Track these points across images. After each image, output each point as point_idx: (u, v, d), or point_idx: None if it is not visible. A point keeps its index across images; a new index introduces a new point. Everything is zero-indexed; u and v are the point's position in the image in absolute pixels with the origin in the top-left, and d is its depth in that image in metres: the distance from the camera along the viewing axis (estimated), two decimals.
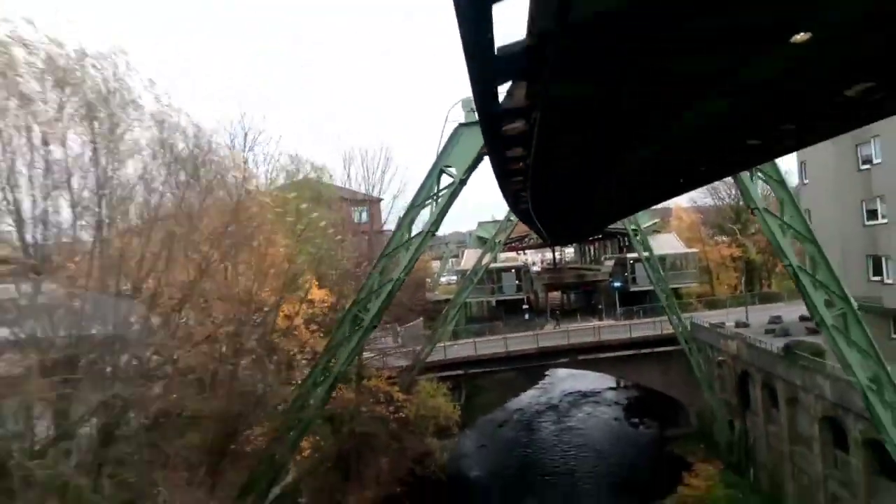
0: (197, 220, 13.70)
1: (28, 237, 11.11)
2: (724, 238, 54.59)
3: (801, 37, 3.65)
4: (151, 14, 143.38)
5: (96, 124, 11.49)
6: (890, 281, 25.14)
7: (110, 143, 11.44)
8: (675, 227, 59.17)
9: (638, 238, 38.56)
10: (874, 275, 26.28)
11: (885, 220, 25.37)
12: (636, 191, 12.64)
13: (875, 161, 25.84)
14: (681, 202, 62.17)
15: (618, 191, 11.79)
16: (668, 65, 4.13)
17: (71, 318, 10.82)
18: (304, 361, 22.78)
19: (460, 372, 40.05)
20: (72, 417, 10.86)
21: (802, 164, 32.39)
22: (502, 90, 4.77)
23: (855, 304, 16.80)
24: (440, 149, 17.15)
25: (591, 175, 9.21)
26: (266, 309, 18.22)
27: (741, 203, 50.32)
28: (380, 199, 52.53)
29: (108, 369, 11.57)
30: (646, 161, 8.17)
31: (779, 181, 18.54)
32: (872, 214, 26.24)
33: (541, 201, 11.62)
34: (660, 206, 48.76)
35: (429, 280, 66.93)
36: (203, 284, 13.71)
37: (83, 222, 11.73)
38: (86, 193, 11.57)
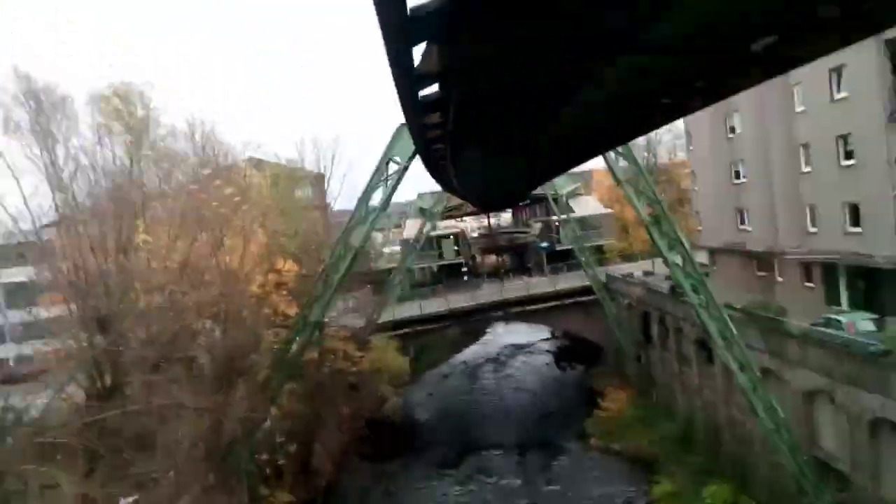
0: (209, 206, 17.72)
1: None
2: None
3: None
4: (152, 13, 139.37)
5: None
6: (749, 229, 31.10)
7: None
8: (596, 189, 65.12)
9: (558, 203, 43.76)
10: (740, 224, 32.28)
11: (745, 180, 31.23)
12: (556, 155, 13.32)
13: (737, 131, 31.58)
14: (601, 165, 68.42)
15: (538, 154, 12.11)
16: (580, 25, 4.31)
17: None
18: (277, 320, 26.86)
19: (408, 330, 44.54)
20: None
21: (688, 134, 38.13)
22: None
23: (688, 246, 22.17)
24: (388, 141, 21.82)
25: (509, 138, 9.46)
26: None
27: (650, 167, 56.69)
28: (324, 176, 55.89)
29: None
30: (565, 124, 8.30)
31: (632, 158, 24.60)
32: (737, 175, 32.10)
33: (462, 168, 12.09)
34: (582, 169, 54.69)
35: (372, 252, 70.98)
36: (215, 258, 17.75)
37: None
38: None
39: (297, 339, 22.71)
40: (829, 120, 23.33)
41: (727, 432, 26.06)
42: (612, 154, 22.86)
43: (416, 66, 4.59)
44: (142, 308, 16.44)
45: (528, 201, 67.16)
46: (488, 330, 64.18)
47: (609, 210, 58.32)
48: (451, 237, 59.48)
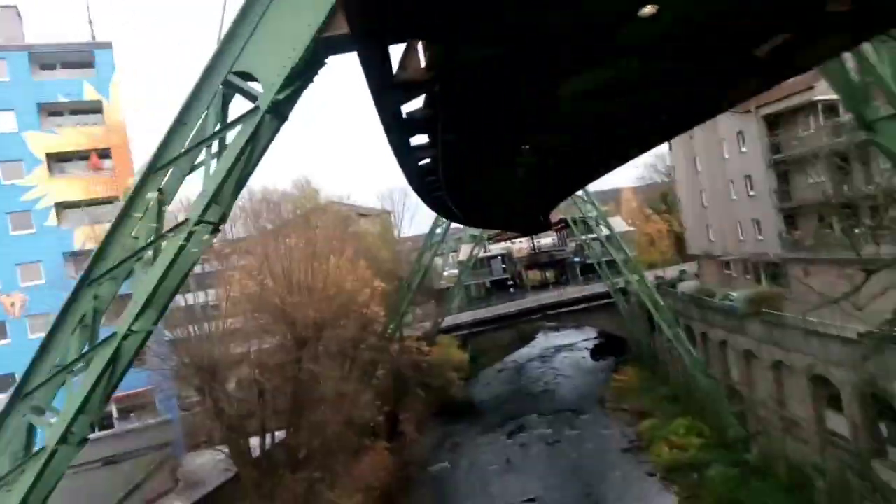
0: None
1: None
2: (657, 216, 71.28)
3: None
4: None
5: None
6: (713, 240, 41.75)
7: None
8: (623, 207, 75.80)
9: (584, 223, 55.14)
10: (708, 236, 42.90)
11: (706, 204, 41.99)
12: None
13: (698, 168, 42.31)
14: (627, 182, 79.89)
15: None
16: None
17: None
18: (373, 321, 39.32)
19: (466, 332, 56.58)
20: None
21: (673, 167, 48.99)
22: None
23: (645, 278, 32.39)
24: None
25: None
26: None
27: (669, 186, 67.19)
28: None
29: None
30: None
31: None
32: (701, 200, 42.85)
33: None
34: (609, 186, 66.03)
35: (434, 274, 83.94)
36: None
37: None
38: None
39: (387, 333, 34.93)
40: (739, 165, 34.10)
41: (694, 388, 36.65)
42: (580, 193, 33.28)
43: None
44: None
45: (563, 224, 78.53)
46: (537, 336, 75.29)
47: (632, 228, 68.90)
48: (499, 257, 71.38)
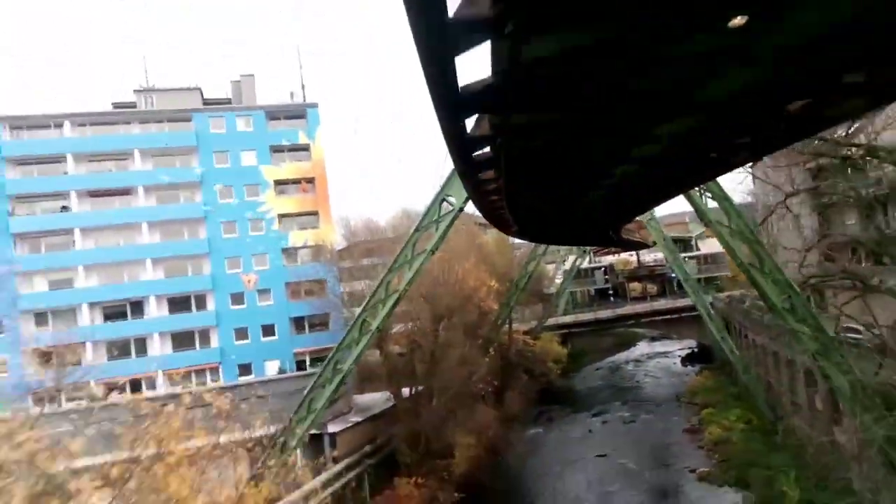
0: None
1: None
2: None
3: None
4: None
5: None
6: None
7: None
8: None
9: (683, 242, 62.64)
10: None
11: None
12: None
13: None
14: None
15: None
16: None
17: None
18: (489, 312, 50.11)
19: (566, 332, 66.13)
20: None
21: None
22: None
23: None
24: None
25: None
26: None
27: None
28: None
29: None
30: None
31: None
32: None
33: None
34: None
35: (546, 280, 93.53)
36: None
37: None
38: None
39: (498, 322, 45.51)
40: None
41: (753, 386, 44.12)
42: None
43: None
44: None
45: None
46: (637, 344, 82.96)
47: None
48: (602, 268, 79.91)
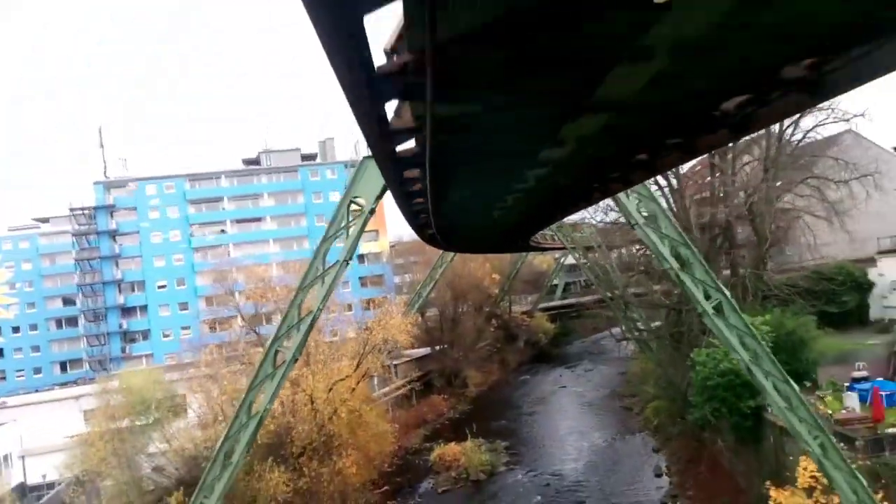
0: None
1: None
2: None
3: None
4: None
5: None
6: None
7: None
8: None
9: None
10: None
11: None
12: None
13: None
14: None
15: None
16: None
17: None
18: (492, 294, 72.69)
19: (556, 312, 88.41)
20: None
21: None
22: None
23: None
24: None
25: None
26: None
27: None
28: None
29: None
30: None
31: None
32: None
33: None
34: None
35: (542, 272, 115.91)
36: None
37: None
38: None
39: (499, 303, 68.08)
40: None
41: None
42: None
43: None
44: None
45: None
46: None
47: None
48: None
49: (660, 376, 42.73)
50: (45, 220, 73.75)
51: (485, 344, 72.05)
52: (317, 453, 28.00)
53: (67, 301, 70.91)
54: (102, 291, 62.38)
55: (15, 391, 59.85)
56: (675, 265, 19.94)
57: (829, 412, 22.70)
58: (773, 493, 20.50)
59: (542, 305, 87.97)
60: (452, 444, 41.65)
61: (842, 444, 19.28)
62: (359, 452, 31.02)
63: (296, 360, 21.51)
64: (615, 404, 53.75)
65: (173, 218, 63.83)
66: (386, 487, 36.22)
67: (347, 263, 20.39)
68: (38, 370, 68.82)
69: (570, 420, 51.33)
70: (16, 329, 70.09)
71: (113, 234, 63.23)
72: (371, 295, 65.91)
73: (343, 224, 19.82)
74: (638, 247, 48.02)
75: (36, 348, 70.14)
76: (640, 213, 20.54)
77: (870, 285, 42.68)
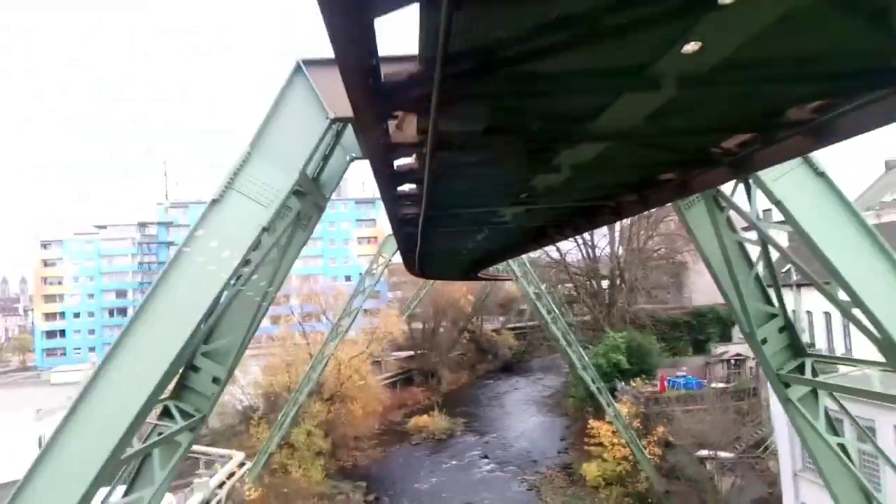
0: None
1: None
2: None
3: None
4: None
5: None
6: None
7: None
8: None
9: None
10: None
11: None
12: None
13: None
14: None
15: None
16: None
17: None
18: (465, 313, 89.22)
19: (522, 331, 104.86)
20: None
21: None
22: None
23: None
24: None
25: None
26: None
27: None
28: None
29: None
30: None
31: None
32: None
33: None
34: None
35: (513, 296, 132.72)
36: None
37: None
38: None
39: (471, 320, 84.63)
40: None
41: None
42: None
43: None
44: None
45: None
46: None
47: None
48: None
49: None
50: (104, 227, 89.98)
51: (458, 353, 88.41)
52: (338, 399, 44.43)
53: (120, 294, 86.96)
54: None
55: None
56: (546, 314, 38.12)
57: (641, 389, 39.55)
58: (592, 422, 37.48)
59: (509, 325, 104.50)
60: (424, 416, 57.94)
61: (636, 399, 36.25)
62: (361, 404, 47.44)
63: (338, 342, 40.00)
64: (551, 401, 70.07)
65: None
66: (376, 441, 52.36)
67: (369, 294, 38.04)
68: (92, 349, 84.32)
69: (514, 409, 67.80)
70: (76, 315, 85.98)
71: (169, 245, 79.56)
72: (370, 306, 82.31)
73: (374, 267, 39.75)
74: (569, 286, 65.27)
75: (92, 331, 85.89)
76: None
77: (731, 322, 59.80)
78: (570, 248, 60.16)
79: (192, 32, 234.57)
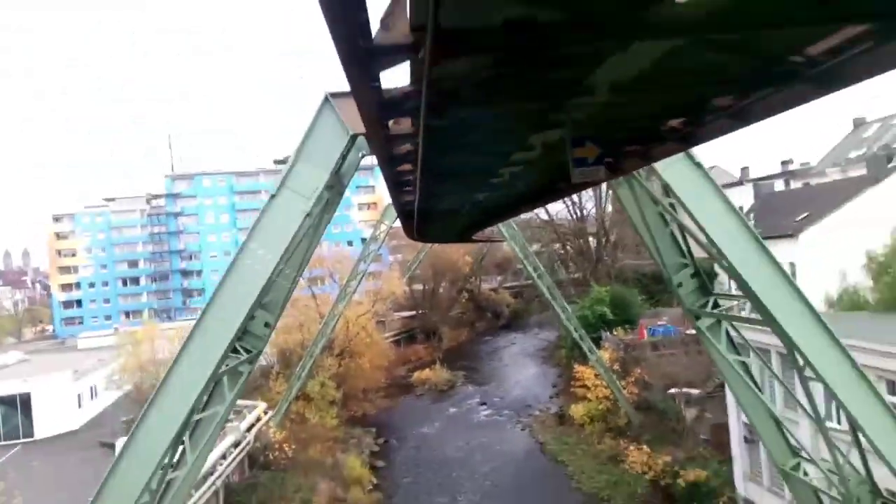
0: None
1: None
2: None
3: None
4: None
5: None
6: None
7: None
8: None
9: None
10: None
11: None
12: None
13: None
14: None
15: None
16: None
17: None
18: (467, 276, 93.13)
19: (519, 289, 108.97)
20: None
21: None
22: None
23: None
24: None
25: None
26: None
27: None
28: None
29: None
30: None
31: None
32: None
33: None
34: None
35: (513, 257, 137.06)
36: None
37: None
38: None
39: (470, 280, 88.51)
40: None
41: None
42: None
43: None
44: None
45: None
46: None
47: None
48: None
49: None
50: (112, 200, 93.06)
51: (458, 312, 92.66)
52: (348, 354, 48.48)
53: (132, 264, 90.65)
54: (169, 258, 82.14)
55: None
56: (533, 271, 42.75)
57: (622, 337, 43.49)
58: (578, 367, 41.53)
59: (506, 285, 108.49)
60: (427, 370, 62.24)
61: (616, 346, 40.18)
62: (369, 359, 51.60)
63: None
64: (545, 353, 74.45)
65: (223, 204, 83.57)
66: (383, 393, 56.67)
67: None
68: (108, 317, 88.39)
69: (511, 362, 72.29)
70: (91, 285, 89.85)
71: (177, 215, 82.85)
72: (373, 269, 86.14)
73: (377, 233, 44.10)
74: (558, 245, 68.86)
75: (107, 300, 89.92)
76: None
77: (715, 275, 63.70)
78: (559, 209, 63.50)
79: (192, 32, 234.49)
